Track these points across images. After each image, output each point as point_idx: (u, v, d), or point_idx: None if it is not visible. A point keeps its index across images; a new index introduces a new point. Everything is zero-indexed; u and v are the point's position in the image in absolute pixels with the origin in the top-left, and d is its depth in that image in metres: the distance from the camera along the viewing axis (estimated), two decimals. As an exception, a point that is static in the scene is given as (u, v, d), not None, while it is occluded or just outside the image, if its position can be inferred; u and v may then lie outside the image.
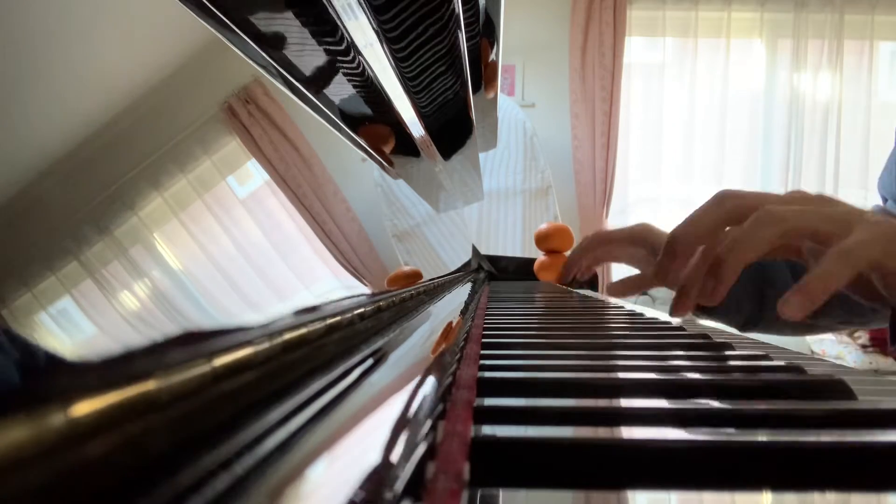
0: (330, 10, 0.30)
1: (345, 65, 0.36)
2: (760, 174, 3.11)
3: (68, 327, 0.14)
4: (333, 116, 0.41)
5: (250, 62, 0.29)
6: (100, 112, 0.17)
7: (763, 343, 0.41)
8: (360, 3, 0.30)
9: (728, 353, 0.34)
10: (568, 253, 1.09)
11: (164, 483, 0.09)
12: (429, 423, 0.16)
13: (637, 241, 0.55)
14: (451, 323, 0.36)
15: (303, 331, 0.20)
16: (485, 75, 0.62)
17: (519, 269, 1.24)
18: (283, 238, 0.30)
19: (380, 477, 0.12)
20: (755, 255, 0.39)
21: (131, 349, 0.12)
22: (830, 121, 3.03)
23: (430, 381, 0.20)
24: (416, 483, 0.13)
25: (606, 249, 0.61)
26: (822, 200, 0.43)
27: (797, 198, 0.43)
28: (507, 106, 2.23)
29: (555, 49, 3.03)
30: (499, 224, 2.07)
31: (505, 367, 0.28)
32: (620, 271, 2.76)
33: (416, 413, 0.16)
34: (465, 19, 0.39)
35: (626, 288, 0.58)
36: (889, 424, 0.19)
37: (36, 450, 0.07)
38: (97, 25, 0.18)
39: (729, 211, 0.43)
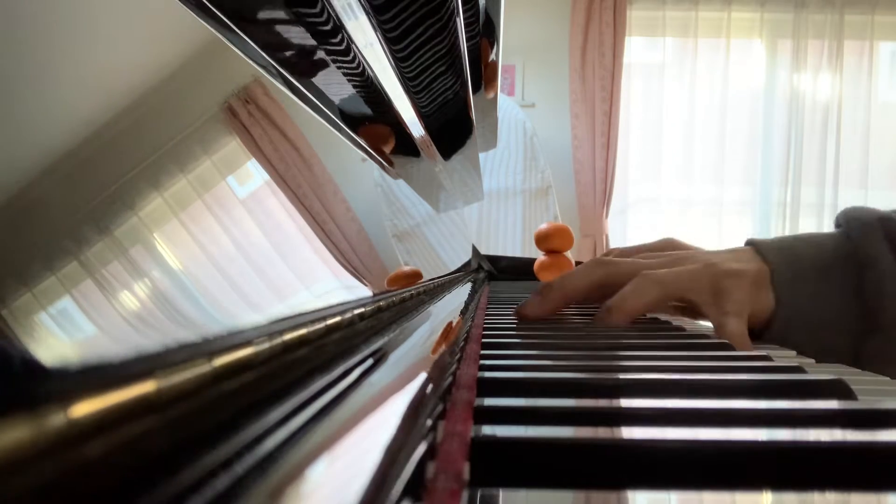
0: (330, 10, 0.30)
1: (345, 65, 0.36)
2: (760, 174, 3.10)
3: (68, 327, 0.14)
4: (333, 116, 0.41)
5: (250, 62, 0.29)
6: (100, 112, 0.17)
7: (763, 343, 0.41)
8: (360, 3, 0.30)
9: (728, 353, 0.34)
10: (571, 254, 1.09)
11: (164, 483, 0.09)
12: (429, 423, 0.16)
13: (599, 287, 0.51)
14: (451, 323, 0.36)
15: (303, 331, 0.20)
16: (485, 75, 0.62)
17: (519, 269, 1.24)
18: (283, 238, 0.30)
19: (380, 477, 0.12)
20: (640, 312, 0.46)
21: (131, 349, 0.12)
22: (830, 121, 3.03)
23: (430, 381, 0.20)
24: (416, 483, 0.13)
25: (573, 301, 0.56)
26: (681, 255, 0.49)
27: (663, 259, 0.50)
28: (507, 106, 2.23)
29: (555, 49, 3.03)
30: (499, 224, 2.06)
31: (505, 367, 0.28)
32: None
33: (416, 413, 0.16)
34: (465, 19, 0.39)
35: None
36: (889, 424, 0.19)
37: (36, 450, 0.07)
38: (97, 25, 0.18)
39: (607, 274, 0.49)
